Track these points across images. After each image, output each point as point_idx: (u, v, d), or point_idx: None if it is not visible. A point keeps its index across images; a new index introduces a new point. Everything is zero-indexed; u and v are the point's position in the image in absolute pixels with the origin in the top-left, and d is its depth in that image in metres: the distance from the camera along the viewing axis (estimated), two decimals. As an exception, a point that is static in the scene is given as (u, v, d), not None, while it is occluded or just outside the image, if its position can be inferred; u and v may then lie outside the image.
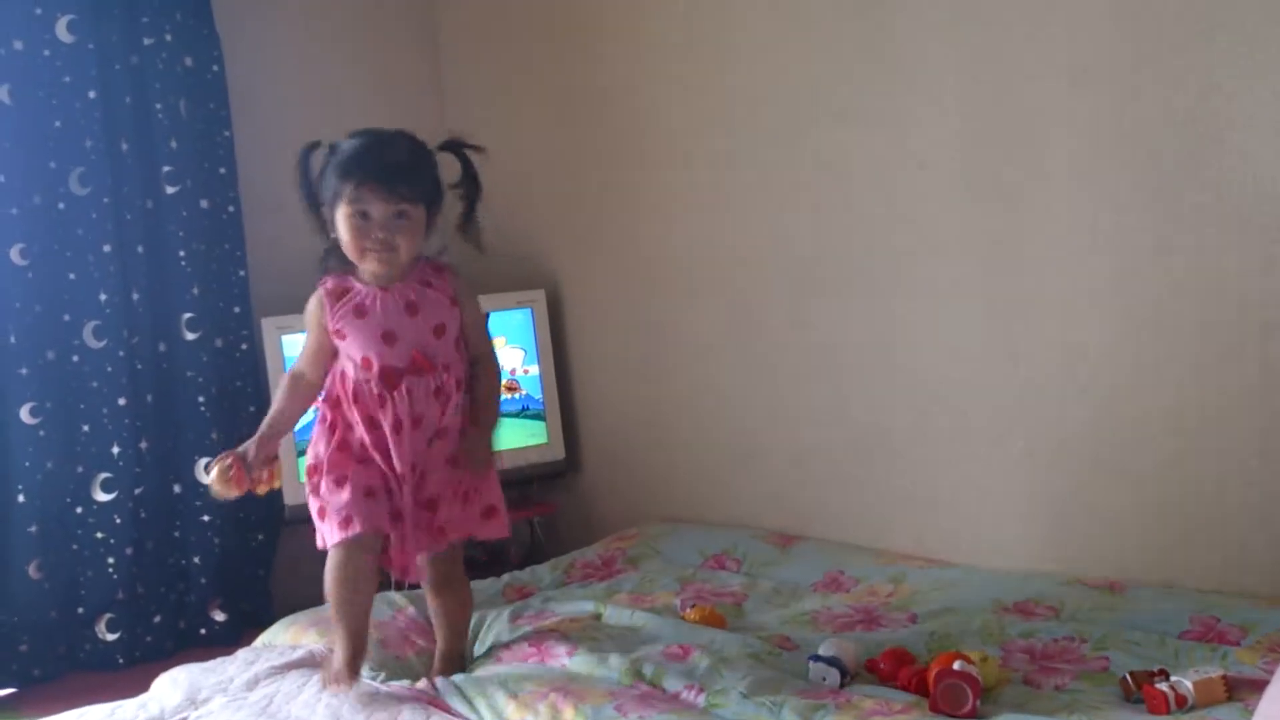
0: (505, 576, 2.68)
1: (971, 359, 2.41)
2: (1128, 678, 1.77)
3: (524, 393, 3.20)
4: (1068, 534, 2.31)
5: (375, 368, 1.94)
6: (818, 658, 1.90)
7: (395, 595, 2.45)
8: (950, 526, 2.48)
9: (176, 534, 2.93)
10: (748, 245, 2.80)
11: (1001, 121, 2.31)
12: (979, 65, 2.33)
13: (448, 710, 1.90)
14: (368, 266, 1.97)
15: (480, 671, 2.04)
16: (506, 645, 2.19)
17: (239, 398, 3.03)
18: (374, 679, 2.07)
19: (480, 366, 2.07)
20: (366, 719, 1.88)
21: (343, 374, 1.98)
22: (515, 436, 3.17)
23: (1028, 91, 2.26)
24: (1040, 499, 2.34)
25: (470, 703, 1.92)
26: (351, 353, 1.96)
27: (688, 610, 2.27)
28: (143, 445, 2.86)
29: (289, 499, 2.91)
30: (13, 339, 2.70)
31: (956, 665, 1.76)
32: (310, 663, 2.14)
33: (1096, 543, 2.27)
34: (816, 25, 2.58)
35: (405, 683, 2.03)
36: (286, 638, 2.33)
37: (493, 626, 2.30)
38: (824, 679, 1.87)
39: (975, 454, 2.43)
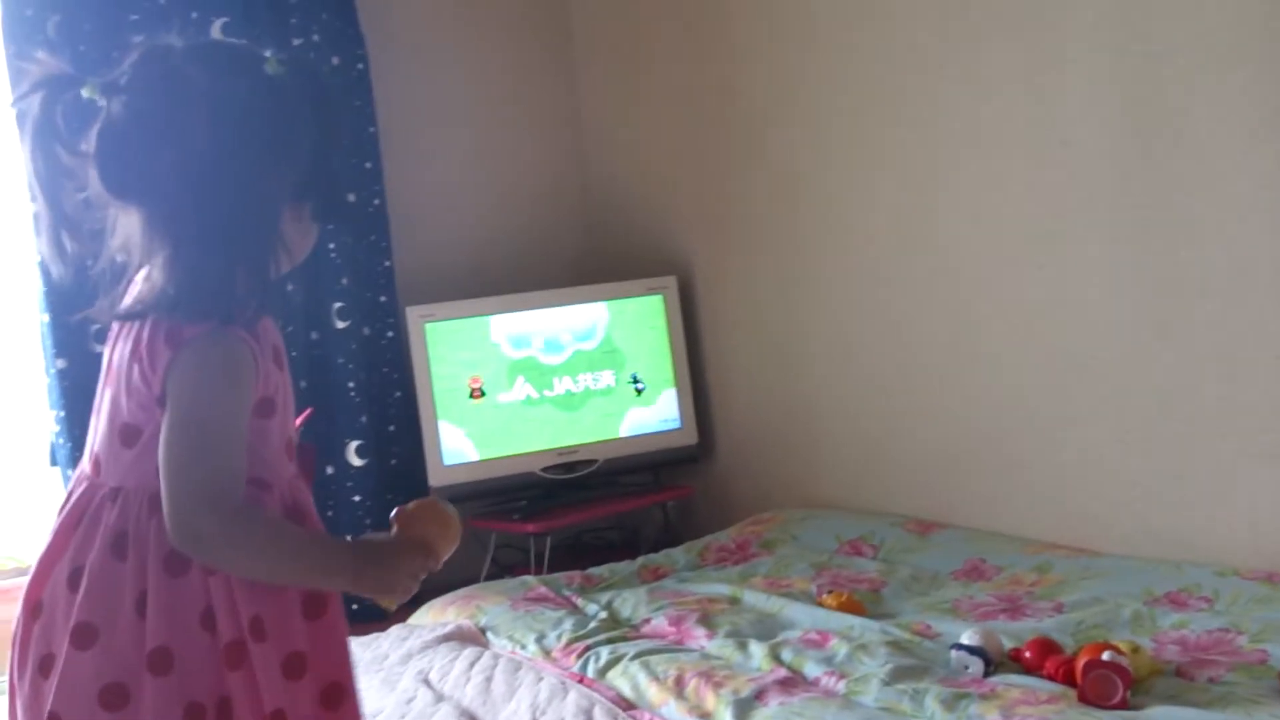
0: (640, 559, 2.73)
1: (1121, 339, 2.34)
2: (1289, 672, 1.72)
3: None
4: (1223, 522, 2.23)
5: (294, 455, 1.26)
6: (960, 646, 1.88)
7: (529, 577, 2.56)
8: (1098, 513, 2.42)
9: (330, 514, 3.06)
10: (885, 227, 2.77)
11: (1150, 97, 2.23)
12: (1127, 38, 2.26)
13: (591, 686, 1.95)
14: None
15: (621, 647, 2.08)
16: (647, 620, 2.24)
17: (386, 384, 3.15)
18: (513, 647, 2.16)
19: None
20: (511, 692, 1.96)
21: (263, 499, 1.20)
22: (645, 420, 3.21)
23: (1178, 66, 2.18)
24: (1194, 485, 2.26)
25: (612, 681, 1.97)
26: (272, 441, 1.21)
27: (824, 596, 2.27)
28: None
29: (433, 480, 3.01)
30: (178, 329, 2.86)
31: (1105, 655, 1.73)
32: (459, 636, 2.23)
33: (1254, 532, 2.18)
34: (954, 1, 2.54)
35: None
36: (429, 618, 2.43)
37: (629, 599, 2.36)
38: (966, 668, 1.86)
39: (1126, 437, 2.36)
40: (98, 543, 1.16)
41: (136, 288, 1.19)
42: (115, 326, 1.21)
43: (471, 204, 3.40)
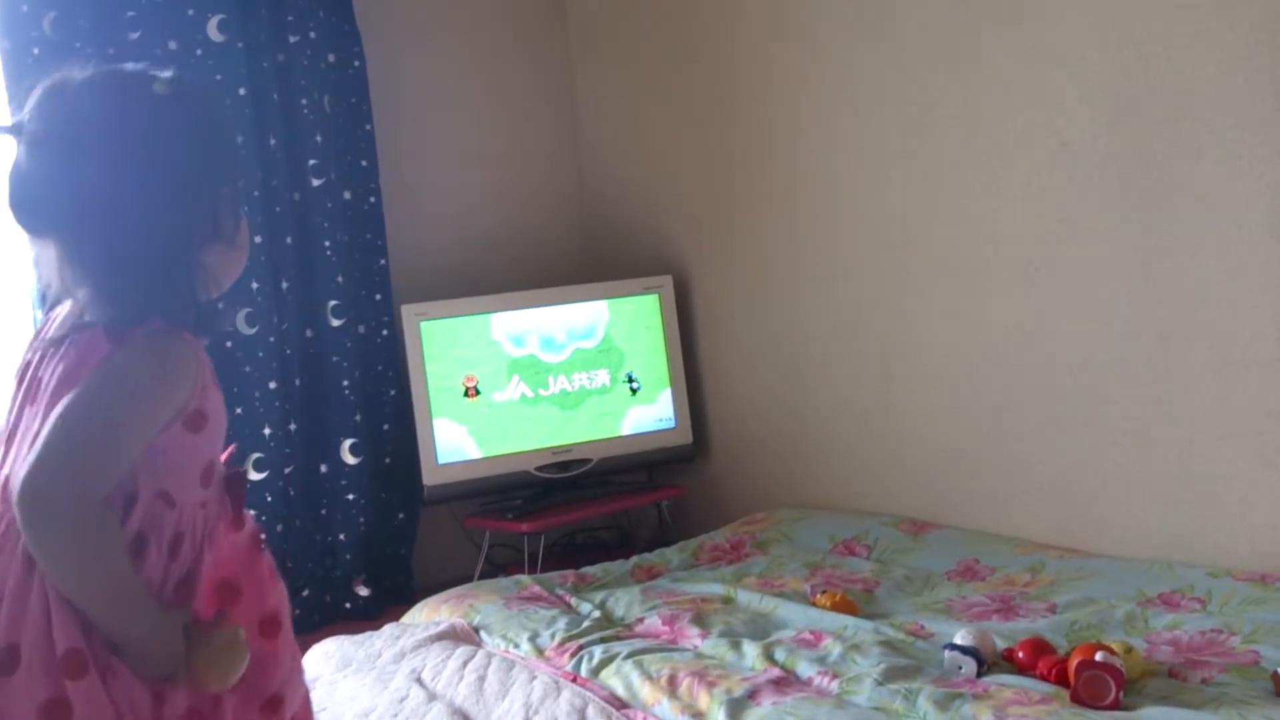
0: (634, 558, 2.73)
1: (1117, 342, 2.35)
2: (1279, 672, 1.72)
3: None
4: (1218, 524, 2.23)
5: (220, 473, 1.22)
6: (954, 646, 1.88)
7: (522, 576, 2.56)
8: (1093, 514, 2.42)
9: (324, 512, 3.06)
10: (881, 228, 2.77)
11: (1149, 97, 2.23)
12: (1125, 38, 2.26)
13: (584, 685, 1.95)
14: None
15: (614, 646, 2.08)
16: (640, 619, 2.24)
17: (380, 381, 3.15)
18: (507, 646, 2.15)
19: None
20: (504, 691, 1.95)
21: (164, 515, 1.15)
22: (640, 420, 3.22)
23: (1177, 65, 2.19)
24: (1189, 486, 2.27)
25: (605, 680, 1.97)
26: (198, 458, 1.18)
27: (818, 596, 2.28)
28: (292, 427, 2.98)
29: (428, 480, 3.01)
30: (172, 326, 2.85)
31: (1098, 656, 1.73)
32: (452, 635, 2.23)
33: (1248, 533, 2.19)
34: (953, 3, 2.54)
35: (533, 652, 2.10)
36: (422, 617, 2.43)
37: (623, 598, 2.36)
38: (960, 668, 1.86)
39: (1121, 439, 2.36)
40: (15, 569, 1.11)
41: (60, 317, 1.20)
42: (39, 351, 1.20)
43: (466, 202, 3.40)
